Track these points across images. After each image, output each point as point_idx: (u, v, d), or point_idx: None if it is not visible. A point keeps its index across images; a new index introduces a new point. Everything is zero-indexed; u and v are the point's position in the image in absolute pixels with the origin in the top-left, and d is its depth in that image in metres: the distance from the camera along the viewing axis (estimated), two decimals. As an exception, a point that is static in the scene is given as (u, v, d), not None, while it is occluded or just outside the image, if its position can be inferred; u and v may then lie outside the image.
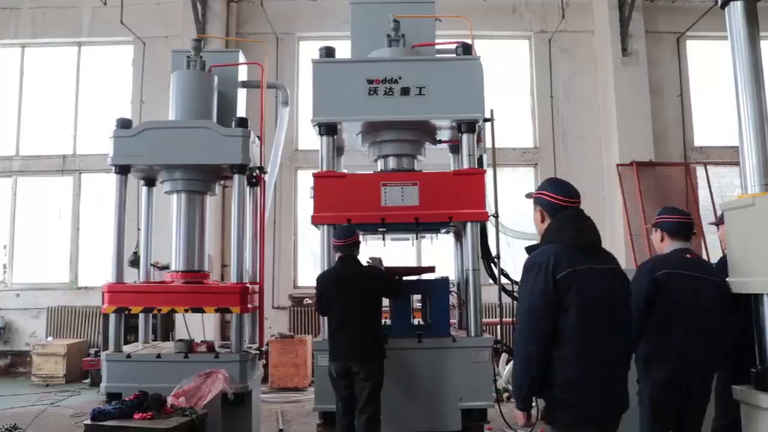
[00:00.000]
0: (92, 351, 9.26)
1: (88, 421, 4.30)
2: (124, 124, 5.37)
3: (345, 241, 4.84)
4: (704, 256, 9.35)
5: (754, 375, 3.38)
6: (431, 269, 5.74)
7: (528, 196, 3.31)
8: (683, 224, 3.82)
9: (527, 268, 2.97)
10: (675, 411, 3.55)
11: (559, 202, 3.06)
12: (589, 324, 2.79)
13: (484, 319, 5.50)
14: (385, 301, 5.55)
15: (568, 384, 2.79)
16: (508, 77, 10.92)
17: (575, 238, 2.94)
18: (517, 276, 6.15)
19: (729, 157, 9.78)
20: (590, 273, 2.86)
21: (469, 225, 5.25)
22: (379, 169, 5.79)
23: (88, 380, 8.93)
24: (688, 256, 3.72)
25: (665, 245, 3.82)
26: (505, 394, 7.35)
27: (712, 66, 10.61)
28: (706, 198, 10.01)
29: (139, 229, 6.36)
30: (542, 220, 3.14)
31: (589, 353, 2.79)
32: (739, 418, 3.53)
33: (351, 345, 4.65)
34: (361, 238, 5.07)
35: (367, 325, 4.71)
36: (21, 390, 8.52)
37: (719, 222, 4.37)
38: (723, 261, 3.98)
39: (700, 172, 10.25)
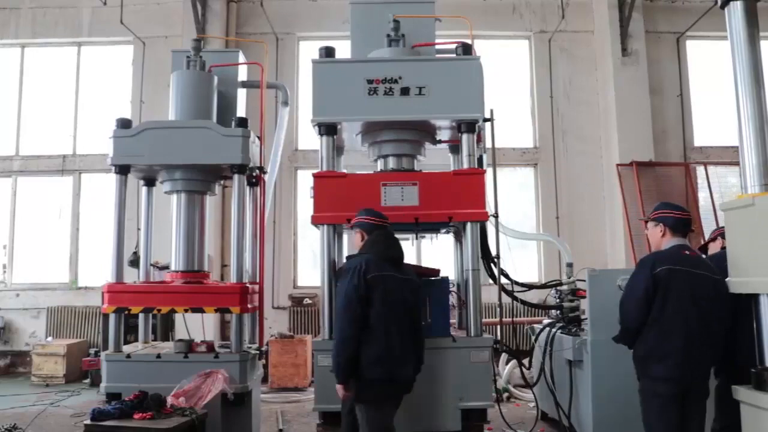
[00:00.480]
0: (92, 351, 9.25)
1: (88, 421, 4.30)
2: (124, 124, 5.37)
3: None
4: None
5: (754, 375, 3.38)
6: (436, 272, 5.73)
7: (351, 226, 4.25)
8: (685, 220, 3.87)
9: (345, 271, 3.85)
10: (678, 407, 3.56)
11: (374, 222, 4.14)
12: (388, 316, 3.70)
13: (484, 319, 5.50)
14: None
15: (371, 362, 3.64)
16: (508, 77, 10.91)
17: (385, 251, 3.92)
18: (517, 276, 6.19)
19: (729, 157, 9.78)
20: (392, 279, 3.81)
21: (469, 225, 5.25)
22: (379, 169, 5.79)
23: (88, 380, 8.93)
24: (687, 252, 3.75)
25: (665, 241, 3.84)
26: (505, 394, 7.35)
27: (712, 66, 10.61)
28: (706, 198, 10.01)
29: (139, 229, 6.36)
30: (362, 239, 4.10)
31: (387, 338, 3.67)
32: (739, 419, 3.54)
33: None
34: None
35: None
36: (21, 390, 8.52)
37: (710, 241, 4.48)
38: (715, 257, 4.04)
39: (700, 172, 10.25)
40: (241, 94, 6.19)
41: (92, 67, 11.25)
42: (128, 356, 5.13)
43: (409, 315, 3.83)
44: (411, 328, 3.85)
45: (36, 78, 11.26)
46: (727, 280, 3.65)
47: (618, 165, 9.98)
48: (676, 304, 3.56)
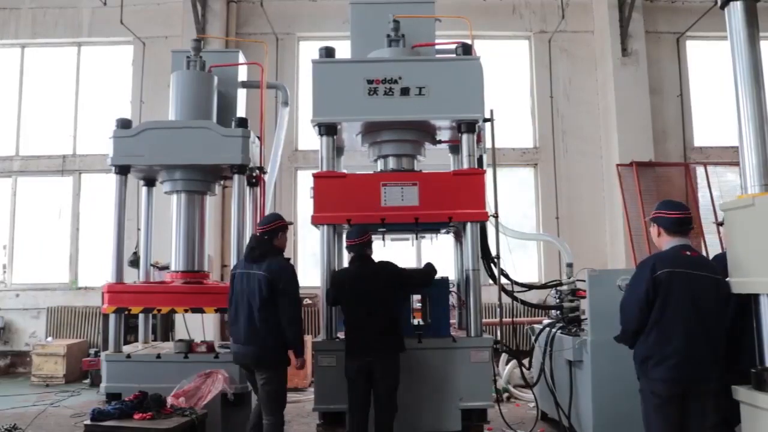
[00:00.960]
0: (92, 351, 9.25)
1: (88, 422, 4.31)
2: (124, 124, 5.38)
3: (356, 241, 4.85)
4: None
5: (754, 375, 3.37)
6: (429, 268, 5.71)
7: None
8: (678, 220, 3.78)
9: None
10: (677, 408, 3.55)
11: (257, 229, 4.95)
12: (236, 305, 4.57)
13: (484, 319, 5.50)
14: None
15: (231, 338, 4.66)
16: (508, 77, 10.91)
17: (245, 252, 4.77)
18: (517, 277, 6.19)
19: (729, 157, 9.78)
20: (241, 274, 4.61)
21: (469, 225, 5.25)
22: (379, 169, 5.79)
23: (88, 380, 8.92)
24: (688, 253, 3.71)
25: (663, 241, 3.82)
26: (505, 394, 7.35)
27: (712, 66, 10.62)
28: (706, 198, 10.00)
29: (139, 229, 6.37)
30: None
31: (235, 322, 4.56)
32: (728, 416, 3.54)
33: (369, 342, 4.64)
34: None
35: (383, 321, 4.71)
36: (21, 390, 8.51)
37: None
38: (718, 257, 4.02)
39: (700, 172, 10.24)
40: (241, 94, 6.20)
41: (92, 67, 11.24)
42: (128, 356, 5.14)
43: (251, 303, 4.46)
44: (250, 314, 4.47)
45: (36, 78, 11.25)
46: (727, 280, 3.65)
47: (618, 165, 9.98)
48: (676, 306, 3.55)
